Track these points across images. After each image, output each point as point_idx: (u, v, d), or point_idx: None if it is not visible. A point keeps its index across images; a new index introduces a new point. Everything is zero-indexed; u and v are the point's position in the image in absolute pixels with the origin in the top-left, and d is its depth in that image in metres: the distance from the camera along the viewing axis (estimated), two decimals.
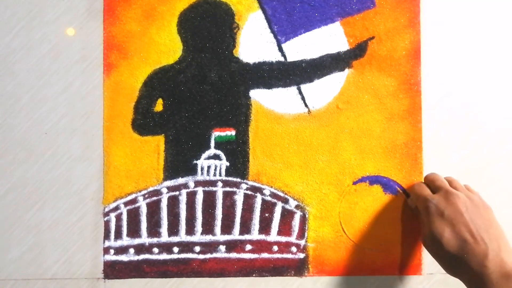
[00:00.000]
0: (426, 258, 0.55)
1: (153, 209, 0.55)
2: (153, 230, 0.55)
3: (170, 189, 0.55)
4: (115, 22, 0.55)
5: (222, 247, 0.55)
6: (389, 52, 0.56)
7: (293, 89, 0.56)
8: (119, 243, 0.55)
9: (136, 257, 0.54)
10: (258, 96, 0.55)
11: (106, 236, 0.55)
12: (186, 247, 0.55)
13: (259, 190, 0.55)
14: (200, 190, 0.55)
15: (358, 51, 0.56)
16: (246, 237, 0.55)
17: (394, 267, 0.55)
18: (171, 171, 0.55)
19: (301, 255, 0.55)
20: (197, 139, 0.55)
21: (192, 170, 0.55)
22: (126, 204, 0.55)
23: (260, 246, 0.55)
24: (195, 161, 0.55)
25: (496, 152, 0.56)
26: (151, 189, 0.55)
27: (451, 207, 0.47)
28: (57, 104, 0.55)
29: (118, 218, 0.55)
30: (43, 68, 0.55)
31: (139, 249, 0.54)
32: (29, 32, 0.55)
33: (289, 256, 0.55)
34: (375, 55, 0.56)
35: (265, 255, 0.55)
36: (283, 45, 0.56)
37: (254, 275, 0.55)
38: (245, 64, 0.56)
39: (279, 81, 0.55)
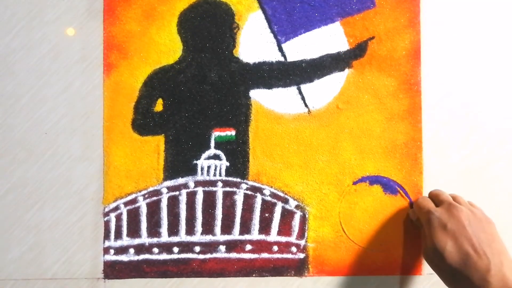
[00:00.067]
0: None
1: (153, 209, 0.55)
2: (153, 230, 0.55)
3: (170, 189, 0.55)
4: (115, 22, 0.55)
5: (222, 247, 0.55)
6: (389, 52, 0.56)
7: (293, 89, 0.56)
8: (119, 243, 0.55)
9: (136, 257, 0.54)
10: (258, 96, 0.55)
11: (106, 236, 0.55)
12: (186, 247, 0.55)
13: (259, 190, 0.55)
14: (200, 190, 0.55)
15: (358, 51, 0.56)
16: (246, 237, 0.55)
17: (394, 267, 0.55)
18: (171, 171, 0.55)
19: (301, 255, 0.55)
20: (197, 139, 0.55)
21: (192, 170, 0.55)
22: (126, 204, 0.55)
23: (260, 246, 0.55)
24: (195, 161, 0.55)
25: (496, 152, 0.56)
26: (151, 189, 0.55)
27: (454, 220, 0.47)
28: (57, 104, 0.55)
29: (118, 218, 0.55)
30: (43, 68, 0.55)
31: (139, 249, 0.54)
32: (29, 32, 0.55)
33: (289, 256, 0.55)
34: (375, 55, 0.56)
35: (265, 255, 0.55)
36: (283, 45, 0.56)
37: (254, 275, 0.55)
38: (245, 64, 0.56)
39: (279, 81, 0.55)
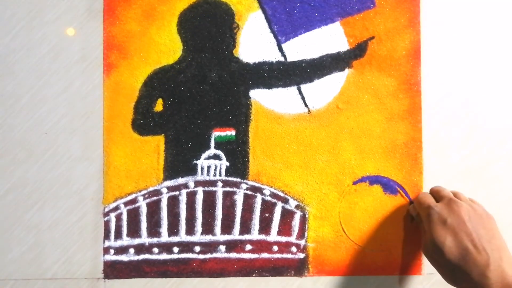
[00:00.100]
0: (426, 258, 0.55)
1: (153, 209, 0.55)
2: (153, 230, 0.55)
3: (170, 189, 0.55)
4: (115, 22, 0.55)
5: (222, 247, 0.55)
6: (389, 52, 0.56)
7: (293, 89, 0.56)
8: (119, 243, 0.55)
9: (136, 257, 0.54)
10: (258, 96, 0.55)
11: (106, 236, 0.55)
12: (186, 247, 0.55)
13: (259, 190, 0.55)
14: (200, 190, 0.55)
15: (358, 51, 0.56)
16: (246, 237, 0.55)
17: (394, 267, 0.55)
18: (171, 171, 0.55)
19: (301, 255, 0.55)
20: (197, 139, 0.55)
21: (192, 170, 0.55)
22: (126, 204, 0.55)
23: (260, 246, 0.55)
24: (195, 161, 0.55)
25: (496, 152, 0.56)
26: (151, 189, 0.55)
27: (453, 215, 0.47)
28: (57, 104, 0.55)
29: (118, 218, 0.55)
30: (43, 68, 0.55)
31: (139, 249, 0.55)
32: (29, 32, 0.55)
33: (289, 256, 0.55)
34: (375, 55, 0.56)
35: (265, 255, 0.55)
36: (283, 45, 0.56)
37: (254, 275, 0.55)
38: (245, 64, 0.56)
39: (279, 81, 0.55)
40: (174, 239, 0.55)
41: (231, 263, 0.55)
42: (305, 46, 0.56)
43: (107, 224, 0.55)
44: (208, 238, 0.55)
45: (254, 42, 0.56)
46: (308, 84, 0.56)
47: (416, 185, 0.55)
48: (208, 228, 0.55)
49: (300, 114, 0.56)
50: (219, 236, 0.55)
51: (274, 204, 0.55)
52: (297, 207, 0.55)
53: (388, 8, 0.56)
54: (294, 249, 0.55)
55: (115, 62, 0.55)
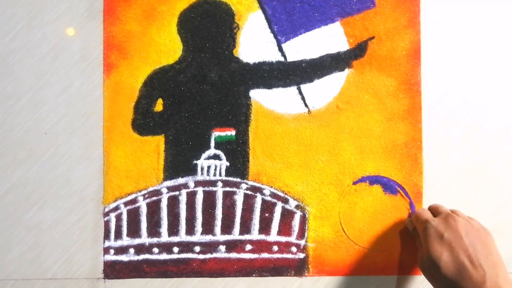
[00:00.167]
0: None
1: (153, 209, 0.55)
2: (153, 230, 0.55)
3: (170, 189, 0.55)
4: (115, 22, 0.55)
5: (222, 247, 0.55)
6: (389, 52, 0.56)
7: (293, 89, 0.56)
8: (119, 243, 0.55)
9: (136, 257, 0.54)
10: (258, 96, 0.55)
11: (106, 236, 0.55)
12: (186, 247, 0.55)
13: (259, 190, 0.55)
14: (200, 190, 0.55)
15: (358, 51, 0.56)
16: (246, 237, 0.55)
17: (394, 267, 0.55)
18: (171, 171, 0.55)
19: (301, 255, 0.55)
20: (197, 139, 0.55)
21: (192, 170, 0.55)
22: (126, 204, 0.55)
23: (260, 246, 0.55)
24: (195, 161, 0.55)
25: (496, 152, 0.56)
26: (151, 189, 0.55)
27: (450, 229, 0.46)
28: (57, 104, 0.55)
29: (118, 218, 0.55)
30: (43, 68, 0.55)
31: (139, 249, 0.55)
32: (29, 32, 0.55)
33: (289, 256, 0.55)
34: (375, 55, 0.56)
35: (265, 255, 0.55)
36: (283, 45, 0.56)
37: (254, 275, 0.55)
38: (245, 64, 0.56)
39: (279, 81, 0.55)
40: (174, 239, 0.55)
41: (231, 263, 0.55)
42: (305, 46, 0.56)
43: (107, 224, 0.55)
44: (208, 238, 0.55)
45: (254, 42, 0.56)
46: (308, 84, 0.56)
47: (416, 185, 0.55)
48: (208, 228, 0.55)
49: (300, 114, 0.56)
50: (219, 236, 0.55)
51: (274, 204, 0.55)
52: (297, 207, 0.55)
53: (388, 8, 0.56)
54: (294, 249, 0.55)
55: (115, 62, 0.55)
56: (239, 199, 0.55)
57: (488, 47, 0.57)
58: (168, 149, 0.55)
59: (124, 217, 0.55)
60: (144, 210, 0.55)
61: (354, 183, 0.55)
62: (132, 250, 0.54)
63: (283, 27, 0.56)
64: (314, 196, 0.55)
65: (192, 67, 0.55)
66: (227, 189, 0.55)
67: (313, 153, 0.55)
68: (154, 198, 0.55)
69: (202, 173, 0.55)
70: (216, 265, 0.55)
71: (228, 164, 0.55)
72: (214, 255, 0.55)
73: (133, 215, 0.55)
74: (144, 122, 0.55)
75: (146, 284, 0.55)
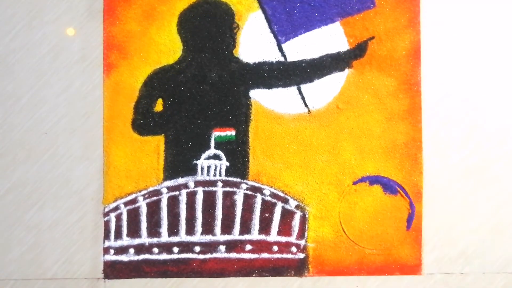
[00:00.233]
0: (426, 258, 0.55)
1: (153, 209, 0.55)
2: (153, 230, 0.55)
3: (170, 189, 0.55)
4: (115, 22, 0.55)
5: (222, 247, 0.55)
6: (389, 52, 0.56)
7: (293, 89, 0.56)
8: (119, 243, 0.55)
9: (136, 257, 0.54)
10: (258, 96, 0.55)
11: (106, 236, 0.55)
12: (186, 247, 0.55)
13: (259, 190, 0.55)
14: (200, 190, 0.55)
15: (358, 51, 0.56)
16: (246, 237, 0.55)
17: (394, 267, 0.55)
18: (171, 171, 0.55)
19: (301, 255, 0.55)
20: (197, 139, 0.55)
21: (192, 170, 0.55)
22: (126, 204, 0.55)
23: (260, 246, 0.55)
24: (195, 161, 0.55)
25: (496, 152, 0.56)
26: (151, 189, 0.55)
27: None
28: (57, 104, 0.55)
29: (118, 218, 0.55)
30: (43, 68, 0.55)
31: (139, 249, 0.54)
32: (29, 32, 0.55)
33: (289, 256, 0.55)
34: (375, 55, 0.56)
35: (265, 255, 0.55)
36: (283, 45, 0.56)
37: (254, 275, 0.55)
38: (245, 64, 0.56)
39: (279, 81, 0.55)
40: (174, 239, 0.55)
41: (231, 263, 0.55)
42: (305, 46, 0.56)
43: (107, 224, 0.55)
44: (208, 238, 0.55)
45: (254, 42, 0.56)
46: (308, 84, 0.56)
47: (416, 185, 0.55)
48: (208, 228, 0.55)
49: (300, 114, 0.56)
50: (219, 236, 0.55)
51: (274, 204, 0.55)
52: (297, 207, 0.55)
53: (388, 8, 0.56)
54: (294, 249, 0.55)
55: (115, 62, 0.55)
56: (239, 199, 0.55)
57: (488, 47, 0.57)
58: (168, 149, 0.55)
59: (124, 217, 0.55)
60: (144, 210, 0.55)
61: (354, 183, 0.55)
62: (132, 250, 0.54)
63: (283, 27, 0.56)
64: (314, 196, 0.55)
65: (192, 67, 0.55)
66: (227, 189, 0.55)
67: (313, 153, 0.55)
68: (154, 198, 0.55)
69: (202, 173, 0.55)
70: (216, 265, 0.55)
71: (228, 164, 0.55)
72: (214, 255, 0.55)
73: (133, 215, 0.55)
74: (144, 122, 0.55)
75: (146, 284, 0.55)
